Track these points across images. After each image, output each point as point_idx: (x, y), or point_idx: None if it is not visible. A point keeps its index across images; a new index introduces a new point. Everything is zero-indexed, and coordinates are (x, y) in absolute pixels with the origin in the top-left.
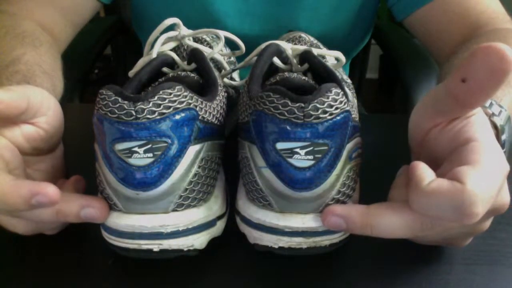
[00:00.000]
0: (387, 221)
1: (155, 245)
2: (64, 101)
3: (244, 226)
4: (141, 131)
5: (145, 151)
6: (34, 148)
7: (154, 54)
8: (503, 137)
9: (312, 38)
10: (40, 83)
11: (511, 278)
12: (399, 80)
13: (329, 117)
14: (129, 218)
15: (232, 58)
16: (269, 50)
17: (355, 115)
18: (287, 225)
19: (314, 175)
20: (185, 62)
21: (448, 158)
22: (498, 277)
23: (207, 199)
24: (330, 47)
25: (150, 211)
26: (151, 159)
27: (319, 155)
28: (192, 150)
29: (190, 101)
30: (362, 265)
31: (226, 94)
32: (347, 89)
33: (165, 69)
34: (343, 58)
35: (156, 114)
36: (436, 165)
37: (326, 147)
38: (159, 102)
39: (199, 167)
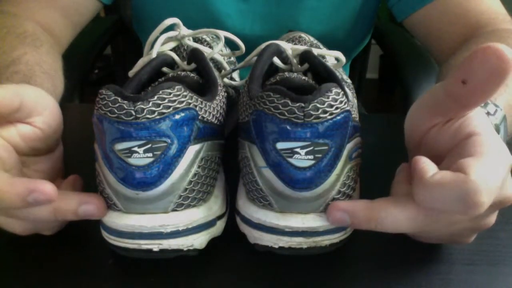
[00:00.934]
0: (392, 215)
1: (155, 245)
2: (64, 101)
3: (244, 226)
4: (141, 131)
5: (145, 151)
6: (32, 148)
7: (154, 54)
8: (499, 136)
9: (312, 38)
10: (40, 83)
11: (511, 278)
12: (399, 80)
13: (329, 117)
14: (129, 218)
15: (232, 58)
16: (269, 50)
17: (355, 115)
18: (287, 225)
19: (314, 175)
20: (185, 62)
21: (449, 154)
22: (498, 277)
23: (207, 199)
24: (330, 47)
25: (150, 211)
26: (151, 159)
27: (319, 155)
28: (192, 150)
29: (190, 101)
30: (362, 265)
31: (226, 94)
32: (347, 89)
33: (165, 69)
34: (343, 58)
35: (156, 114)
36: (436, 163)
37: (326, 147)
38: (159, 102)
39: (199, 167)
